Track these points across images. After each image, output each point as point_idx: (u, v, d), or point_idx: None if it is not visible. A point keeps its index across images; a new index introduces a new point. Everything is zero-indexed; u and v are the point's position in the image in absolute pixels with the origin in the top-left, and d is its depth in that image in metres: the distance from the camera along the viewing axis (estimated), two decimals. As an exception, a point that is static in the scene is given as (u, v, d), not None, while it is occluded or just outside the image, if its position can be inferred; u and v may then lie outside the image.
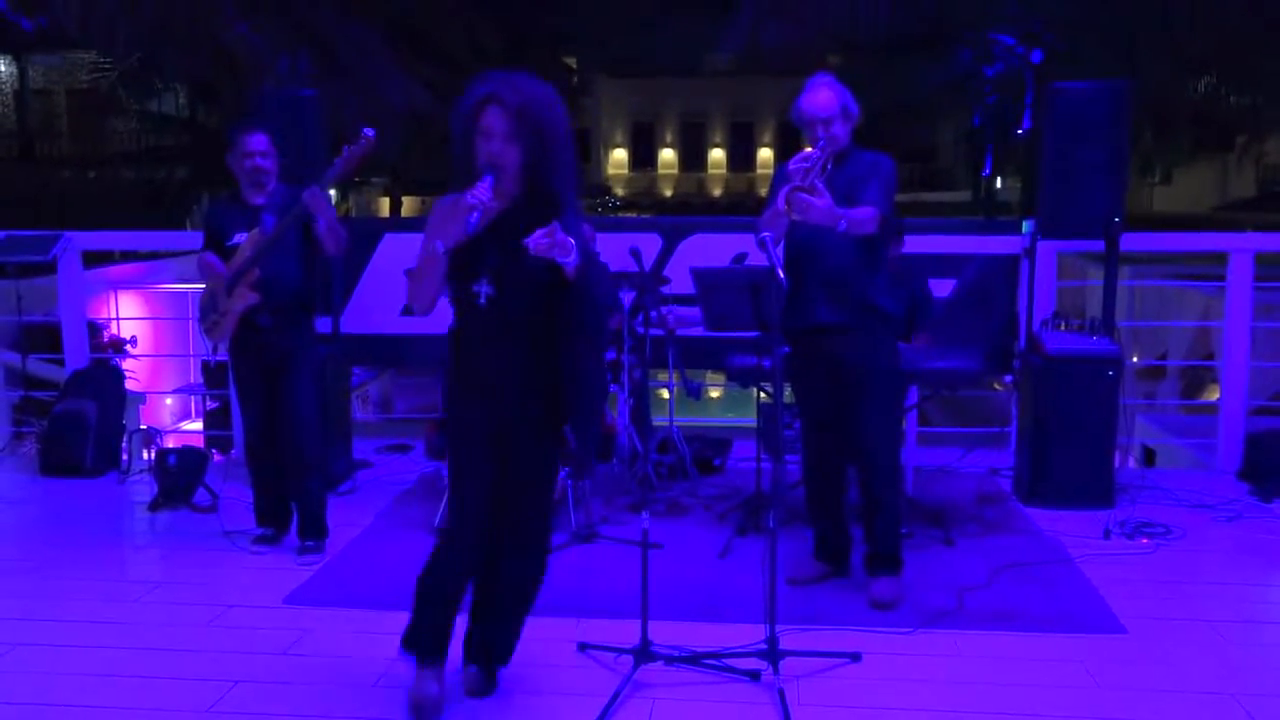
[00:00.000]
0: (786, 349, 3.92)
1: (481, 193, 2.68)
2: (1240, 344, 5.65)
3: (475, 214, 2.68)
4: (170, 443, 5.94)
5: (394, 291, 5.97)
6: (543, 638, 3.61)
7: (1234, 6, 11.64)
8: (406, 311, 6.05)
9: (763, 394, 4.70)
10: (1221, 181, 27.10)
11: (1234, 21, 12.14)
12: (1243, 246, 5.70)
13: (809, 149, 3.75)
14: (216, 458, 6.02)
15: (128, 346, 8.00)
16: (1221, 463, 5.70)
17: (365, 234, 6.11)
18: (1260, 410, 6.58)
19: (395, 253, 5.99)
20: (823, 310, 3.79)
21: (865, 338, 3.81)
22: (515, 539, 3.07)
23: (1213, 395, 9.10)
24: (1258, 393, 6.92)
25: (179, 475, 5.17)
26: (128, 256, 10.60)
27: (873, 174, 3.75)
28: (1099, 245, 5.23)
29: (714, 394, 13.50)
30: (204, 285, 4.36)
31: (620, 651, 3.36)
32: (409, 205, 26.78)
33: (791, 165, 3.66)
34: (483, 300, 2.81)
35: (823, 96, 3.77)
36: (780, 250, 3.51)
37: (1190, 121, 18.13)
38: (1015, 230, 5.65)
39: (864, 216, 3.62)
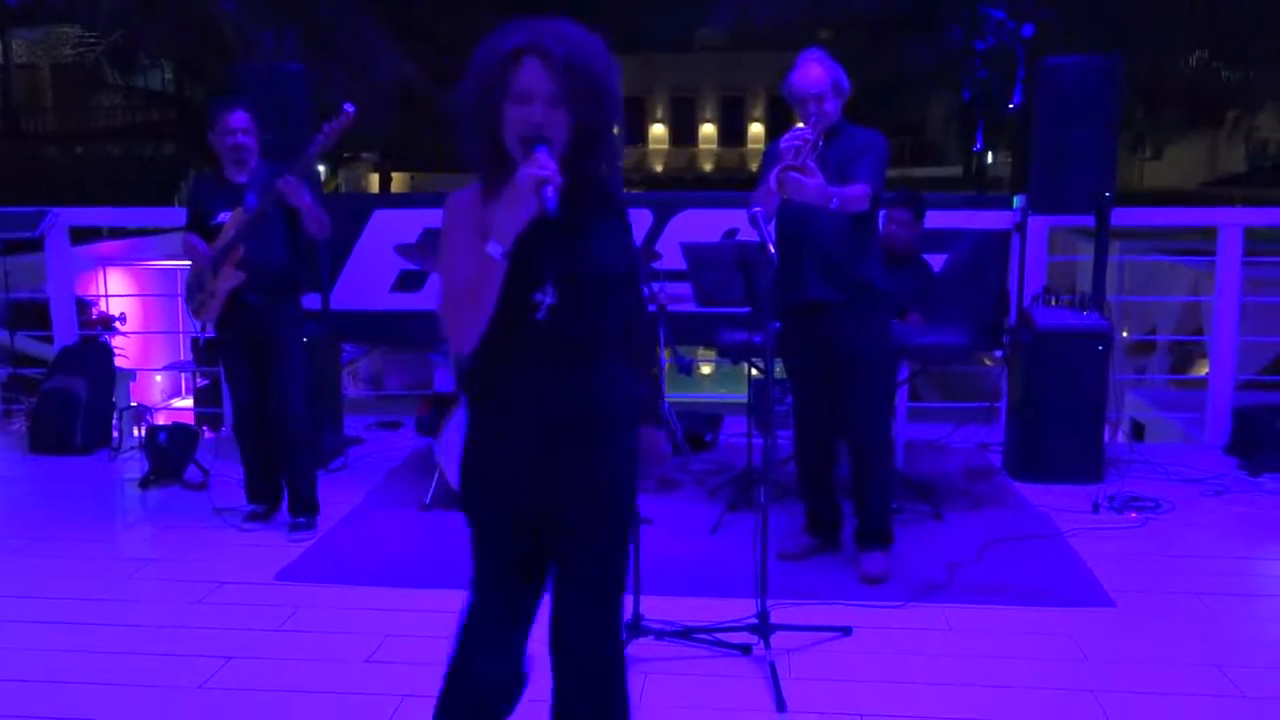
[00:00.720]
0: (778, 324, 3.92)
1: (546, 162, 1.97)
2: (1229, 319, 5.67)
3: (550, 189, 1.95)
4: (161, 420, 5.92)
5: (384, 267, 5.96)
6: (535, 613, 3.62)
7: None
8: (399, 287, 6.04)
9: (754, 370, 4.71)
10: (1211, 157, 27.14)
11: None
12: (1232, 221, 5.71)
13: (800, 125, 3.73)
14: (207, 435, 6.01)
15: (116, 323, 7.97)
16: (1210, 437, 5.73)
17: (355, 210, 6.09)
18: (1249, 385, 6.61)
19: (385, 228, 5.96)
20: (815, 287, 3.79)
21: (857, 314, 3.81)
22: (572, 667, 2.24)
23: (1202, 370, 9.14)
24: (1246, 367, 6.96)
25: (170, 452, 5.16)
26: (115, 233, 10.54)
27: (864, 151, 3.74)
28: (1090, 220, 5.23)
29: (705, 370, 13.51)
30: (190, 264, 4.34)
31: (612, 626, 3.36)
32: (399, 181, 26.68)
33: (783, 143, 3.64)
34: (543, 312, 2.06)
35: (814, 72, 3.74)
36: (772, 227, 3.49)
37: (1181, 97, 18.14)
38: (1006, 205, 5.65)
39: (856, 194, 3.61)
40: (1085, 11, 13.23)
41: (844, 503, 4.18)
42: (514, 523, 2.20)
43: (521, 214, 1.96)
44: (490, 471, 2.20)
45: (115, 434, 5.88)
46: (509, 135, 2.03)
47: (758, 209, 3.28)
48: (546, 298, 2.07)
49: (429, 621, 3.59)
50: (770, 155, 3.81)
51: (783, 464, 4.87)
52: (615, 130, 2.12)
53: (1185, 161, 26.72)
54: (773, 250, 3.15)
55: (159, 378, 8.91)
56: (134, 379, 7.02)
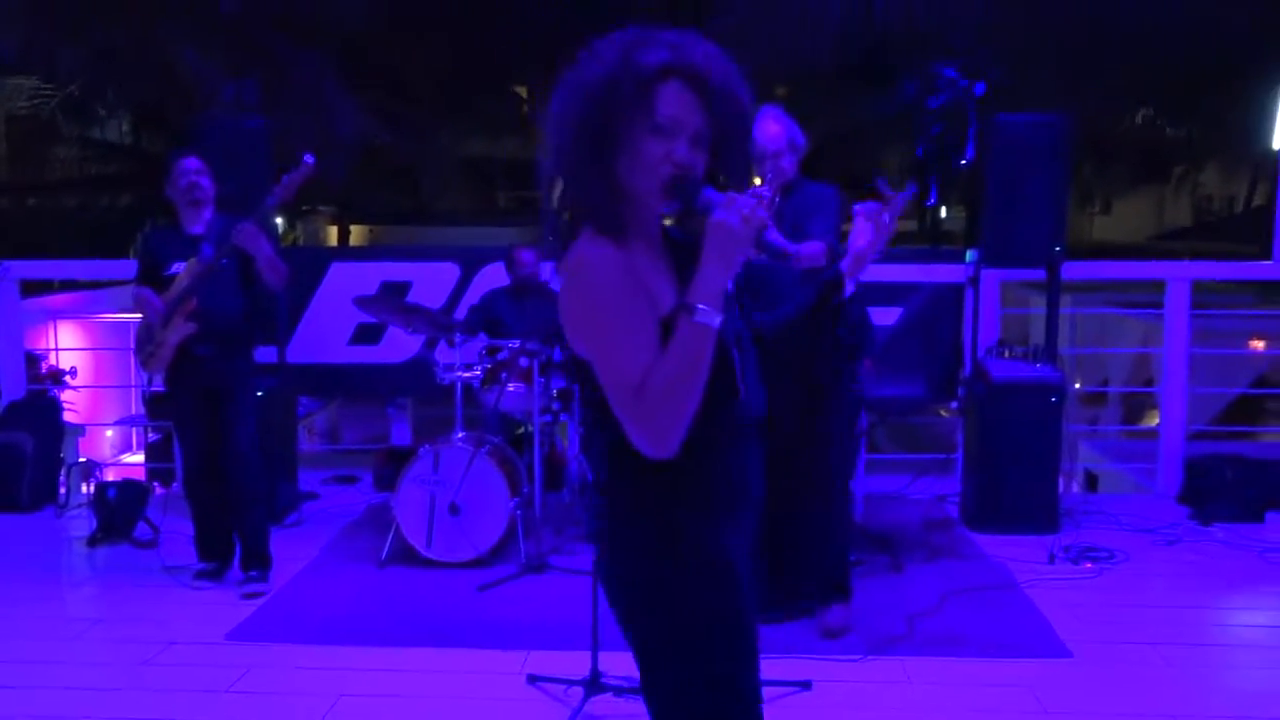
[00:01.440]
0: None
1: (766, 194, 1.72)
2: (1179, 370, 5.77)
3: (772, 233, 1.66)
4: (110, 475, 5.81)
5: (342, 320, 5.92)
6: (490, 670, 3.57)
7: (1169, 42, 11.98)
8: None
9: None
10: (1159, 211, 27.76)
11: (1169, 56, 12.49)
12: (1180, 275, 5.83)
13: (757, 182, 3.77)
14: (158, 491, 5.91)
15: (67, 377, 7.83)
16: (1162, 487, 5.80)
17: (312, 262, 6.05)
18: (1199, 435, 6.71)
19: (343, 281, 5.93)
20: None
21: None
22: None
23: (1153, 421, 9.27)
24: (1196, 418, 7.06)
25: (119, 509, 5.06)
26: (68, 286, 10.40)
27: (819, 207, 3.78)
28: (1041, 274, 5.32)
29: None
30: (140, 317, 4.29)
31: (570, 683, 3.33)
32: (358, 234, 26.59)
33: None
34: (739, 382, 1.75)
35: (771, 129, 3.80)
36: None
37: (1128, 153, 18.58)
38: (960, 259, 5.74)
39: (813, 252, 3.64)
40: (1035, 70, 13.56)
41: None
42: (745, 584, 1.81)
43: (734, 269, 1.64)
44: (723, 568, 1.76)
45: (63, 490, 5.76)
46: (640, 173, 1.67)
47: None
48: (737, 365, 1.73)
49: (385, 681, 3.53)
50: None
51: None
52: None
53: (1133, 216, 27.31)
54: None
55: (109, 433, 8.76)
56: (83, 434, 6.89)
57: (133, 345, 4.38)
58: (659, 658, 1.75)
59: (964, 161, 17.47)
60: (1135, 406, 11.39)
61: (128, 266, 7.66)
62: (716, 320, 1.61)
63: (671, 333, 1.63)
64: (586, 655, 3.28)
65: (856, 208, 2.81)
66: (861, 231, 2.77)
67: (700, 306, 1.60)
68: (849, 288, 3.41)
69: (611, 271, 1.64)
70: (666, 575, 1.72)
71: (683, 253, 1.74)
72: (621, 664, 3.40)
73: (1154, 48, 12.29)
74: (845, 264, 3.11)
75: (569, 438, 5.23)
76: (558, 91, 1.70)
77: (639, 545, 1.73)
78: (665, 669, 1.75)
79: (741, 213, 1.61)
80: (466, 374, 4.80)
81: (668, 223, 1.81)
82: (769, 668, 3.52)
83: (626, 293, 1.64)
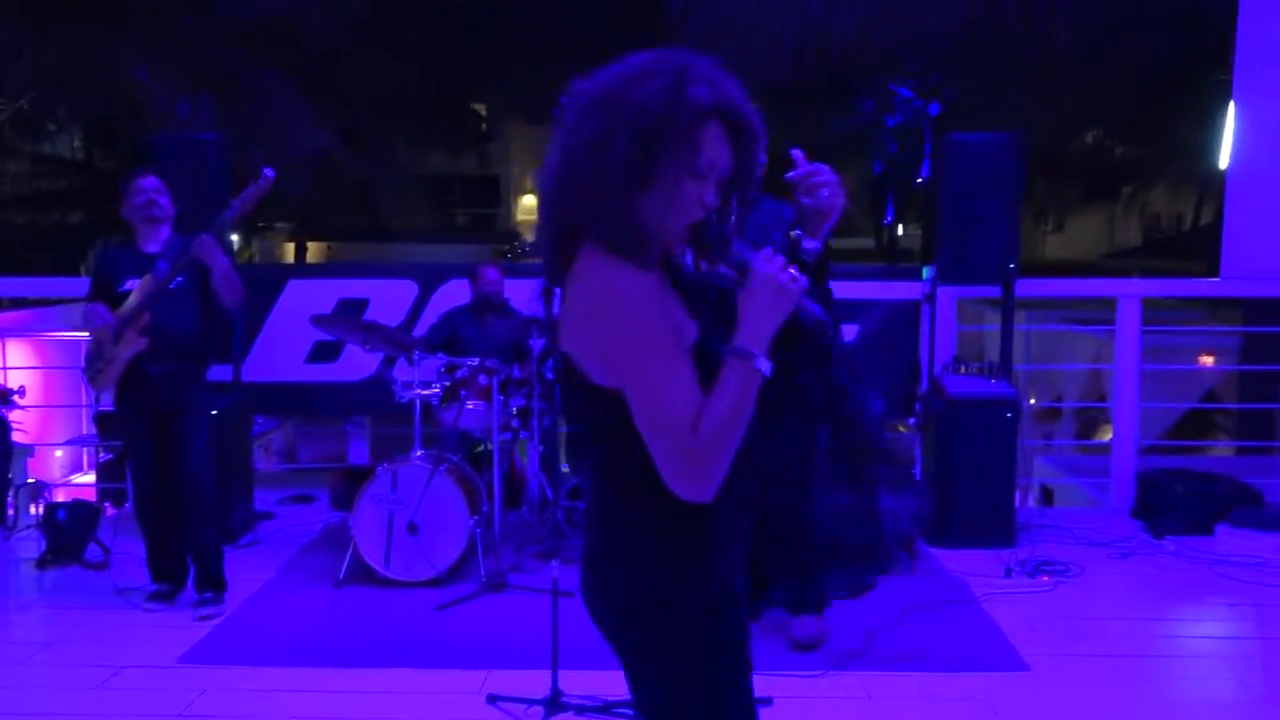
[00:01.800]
0: None
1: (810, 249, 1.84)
2: (1130, 385, 5.86)
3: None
4: (60, 496, 5.71)
5: (298, 338, 5.87)
6: (450, 690, 3.54)
7: (1118, 63, 12.23)
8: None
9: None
10: (1109, 229, 28.23)
11: (1118, 77, 12.75)
12: (1130, 292, 5.93)
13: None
14: (109, 511, 5.80)
15: (15, 397, 7.69)
16: (1115, 501, 5.88)
17: (269, 280, 6.00)
18: (1151, 449, 6.82)
19: (300, 299, 5.88)
20: None
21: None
22: None
23: (1106, 435, 9.41)
24: (1148, 432, 7.18)
25: (69, 530, 4.97)
26: (17, 303, 10.23)
27: (778, 224, 3.80)
28: (996, 291, 5.39)
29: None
30: (89, 334, 4.23)
31: (530, 703, 3.31)
32: (314, 250, 26.40)
33: None
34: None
35: None
36: None
37: (1080, 172, 18.92)
38: (916, 276, 5.80)
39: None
40: (988, 91, 13.79)
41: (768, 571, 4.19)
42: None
43: (780, 320, 1.63)
44: (734, 598, 1.79)
45: (10, 512, 5.64)
46: (673, 211, 1.63)
47: None
48: None
49: (343, 703, 3.49)
50: None
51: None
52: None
53: (1085, 234, 27.75)
54: None
55: (59, 453, 8.60)
56: (32, 454, 6.77)
57: (83, 363, 4.31)
58: (678, 690, 1.74)
59: (920, 180, 17.70)
60: (1088, 421, 11.57)
61: (78, 284, 7.55)
62: (769, 369, 1.60)
63: (721, 376, 1.60)
64: (547, 674, 3.26)
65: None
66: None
67: (756, 353, 1.60)
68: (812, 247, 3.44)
69: (650, 302, 1.60)
70: (693, 608, 1.71)
71: (685, 285, 1.73)
72: (582, 682, 3.39)
73: (1103, 69, 12.54)
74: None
75: (528, 455, 5.21)
76: (585, 102, 1.62)
77: (662, 576, 1.70)
78: (684, 700, 1.75)
79: (790, 274, 1.63)
80: (425, 392, 4.77)
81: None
82: (730, 684, 3.52)
83: (665, 325, 1.60)
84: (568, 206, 1.65)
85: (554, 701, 3.22)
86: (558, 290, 1.72)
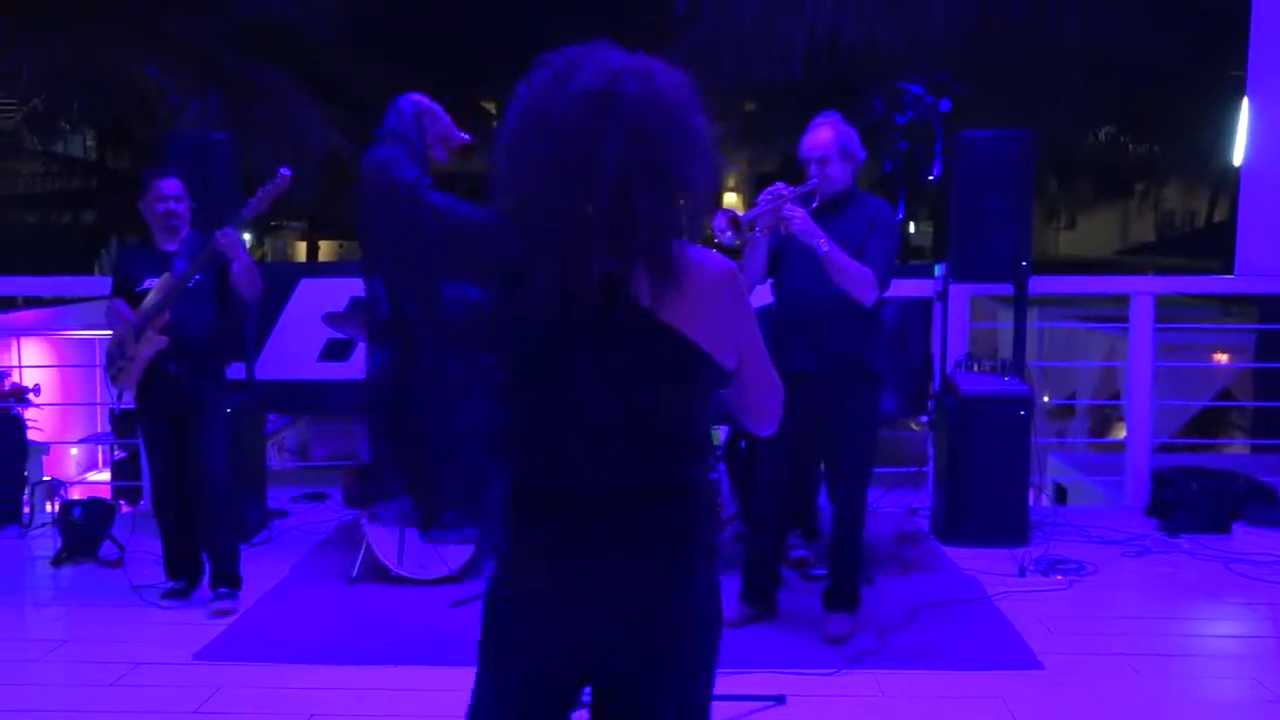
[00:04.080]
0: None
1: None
2: (1144, 383, 5.84)
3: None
4: (75, 494, 5.74)
5: (311, 336, 5.88)
6: (464, 687, 3.53)
7: (1130, 60, 12.17)
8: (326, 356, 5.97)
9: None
10: (1123, 226, 28.12)
11: (1131, 74, 12.69)
12: (1144, 289, 5.90)
13: (779, 183, 3.72)
14: (124, 509, 5.83)
15: (30, 395, 7.74)
16: (1129, 499, 5.85)
17: (281, 278, 6.01)
18: (1166, 448, 6.80)
19: (312, 297, 5.89)
20: (798, 358, 3.78)
21: (846, 387, 3.83)
22: None
23: (1120, 433, 9.38)
24: (1163, 430, 7.15)
25: (84, 528, 4.99)
26: (31, 303, 10.28)
27: (872, 230, 3.77)
28: (1008, 288, 5.37)
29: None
30: (111, 332, 4.25)
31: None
32: (326, 249, 26.44)
33: (761, 196, 3.66)
34: None
35: (820, 135, 3.81)
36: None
37: (1092, 169, 18.83)
38: (928, 274, 5.78)
39: (856, 272, 3.63)
40: (999, 88, 13.73)
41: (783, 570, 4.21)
42: None
43: None
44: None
45: (27, 510, 5.68)
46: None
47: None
48: None
49: (357, 700, 3.50)
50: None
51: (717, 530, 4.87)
52: None
53: (1098, 231, 27.64)
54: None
55: (74, 450, 8.65)
56: (47, 452, 6.81)
57: (101, 362, 4.33)
58: (707, 692, 1.91)
59: (931, 177, 17.64)
60: (1102, 419, 11.53)
61: (91, 283, 7.60)
62: None
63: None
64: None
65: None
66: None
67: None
68: (820, 248, 3.47)
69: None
70: (719, 605, 1.90)
71: None
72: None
73: (1115, 66, 12.48)
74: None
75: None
76: (702, 110, 1.70)
77: (712, 579, 1.88)
78: (707, 703, 1.91)
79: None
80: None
81: None
82: (743, 681, 3.53)
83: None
84: (685, 199, 1.70)
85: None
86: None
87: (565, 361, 1.68)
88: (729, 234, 3.37)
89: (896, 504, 5.77)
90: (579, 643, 1.76)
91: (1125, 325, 5.95)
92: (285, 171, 3.94)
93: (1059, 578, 4.66)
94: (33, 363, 8.09)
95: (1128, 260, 23.87)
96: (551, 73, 1.65)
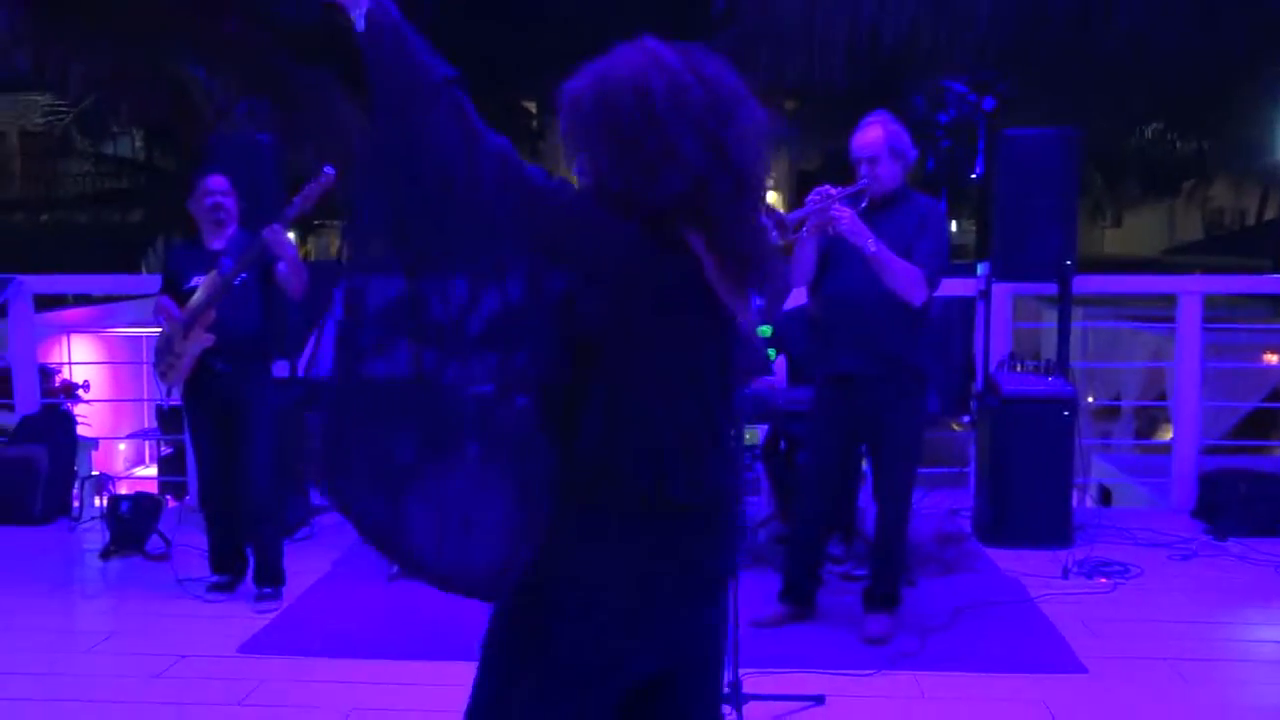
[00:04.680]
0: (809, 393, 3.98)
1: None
2: (1191, 384, 5.75)
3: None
4: (123, 489, 5.83)
5: (354, 334, 5.92)
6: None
7: (1178, 57, 11.99)
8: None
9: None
10: (1169, 225, 27.69)
11: (1178, 71, 12.50)
12: (1191, 289, 5.81)
13: (827, 185, 3.71)
14: (170, 504, 5.91)
15: (80, 391, 7.87)
16: (1176, 501, 5.77)
17: (326, 276, 6.07)
18: (1212, 449, 6.69)
19: (355, 296, 5.94)
20: (847, 358, 3.78)
21: (890, 388, 3.80)
22: None
23: (1166, 435, 9.24)
24: (1210, 432, 7.04)
25: (132, 522, 5.07)
26: (81, 300, 10.46)
27: (922, 231, 3.74)
28: (1052, 288, 5.31)
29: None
30: (160, 329, 4.31)
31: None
32: (368, 248, 26.62)
33: (810, 197, 3.65)
34: None
35: (870, 135, 3.78)
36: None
37: (1138, 167, 18.57)
38: (971, 273, 5.73)
39: (905, 273, 3.60)
40: (1043, 85, 13.59)
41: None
42: None
43: None
44: None
45: (76, 504, 5.78)
46: None
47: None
48: None
49: (397, 694, 3.53)
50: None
51: (753, 530, 4.85)
52: None
53: (1145, 229, 27.25)
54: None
55: (122, 446, 8.80)
56: (96, 447, 6.92)
57: (147, 359, 4.40)
58: None
59: (974, 176, 17.48)
60: (1148, 421, 11.36)
61: (140, 281, 7.73)
62: None
63: None
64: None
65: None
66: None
67: None
68: (868, 248, 3.47)
69: None
70: None
71: None
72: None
73: (1161, 62, 12.30)
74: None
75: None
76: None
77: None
78: None
79: None
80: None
81: None
82: (783, 681, 3.52)
83: None
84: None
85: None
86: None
87: (694, 358, 1.61)
88: (773, 234, 3.36)
89: (938, 504, 5.73)
90: (662, 658, 1.68)
91: (1172, 325, 5.86)
92: (329, 170, 3.98)
93: (1103, 580, 4.60)
94: (82, 359, 8.24)
95: (1175, 259, 23.52)
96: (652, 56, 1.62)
